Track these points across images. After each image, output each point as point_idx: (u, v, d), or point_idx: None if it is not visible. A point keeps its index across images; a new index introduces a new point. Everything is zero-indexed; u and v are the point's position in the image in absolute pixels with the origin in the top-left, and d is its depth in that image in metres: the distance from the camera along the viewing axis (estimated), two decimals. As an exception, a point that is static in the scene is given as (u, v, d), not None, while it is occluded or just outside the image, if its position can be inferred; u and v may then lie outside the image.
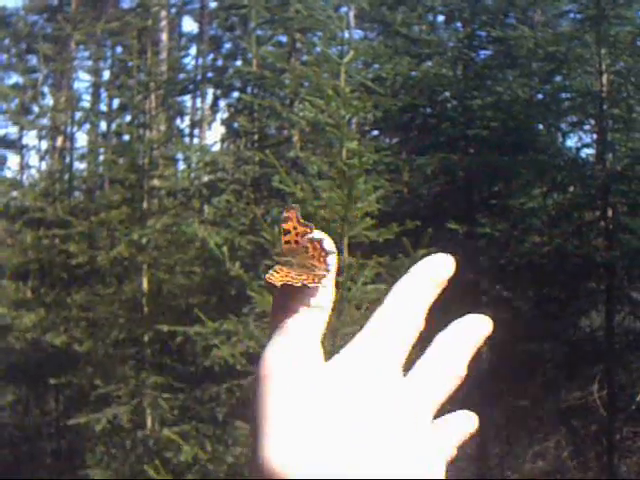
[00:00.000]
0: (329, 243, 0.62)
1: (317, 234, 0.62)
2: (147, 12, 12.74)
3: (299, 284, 0.59)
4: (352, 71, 6.82)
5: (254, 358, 5.95)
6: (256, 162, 7.91)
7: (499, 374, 7.34)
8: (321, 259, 0.61)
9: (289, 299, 0.60)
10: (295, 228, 0.63)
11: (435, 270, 0.64)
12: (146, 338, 7.82)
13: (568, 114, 8.15)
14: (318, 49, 8.08)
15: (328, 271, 0.60)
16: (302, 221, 0.63)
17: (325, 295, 0.60)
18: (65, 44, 17.71)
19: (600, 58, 7.31)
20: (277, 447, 0.54)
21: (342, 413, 0.56)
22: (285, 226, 0.63)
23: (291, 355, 0.58)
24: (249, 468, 0.57)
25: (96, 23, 14.07)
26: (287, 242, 0.63)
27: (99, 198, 9.50)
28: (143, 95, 8.90)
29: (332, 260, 0.61)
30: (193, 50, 22.41)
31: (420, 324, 0.62)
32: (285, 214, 0.63)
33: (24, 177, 16.63)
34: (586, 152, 8.49)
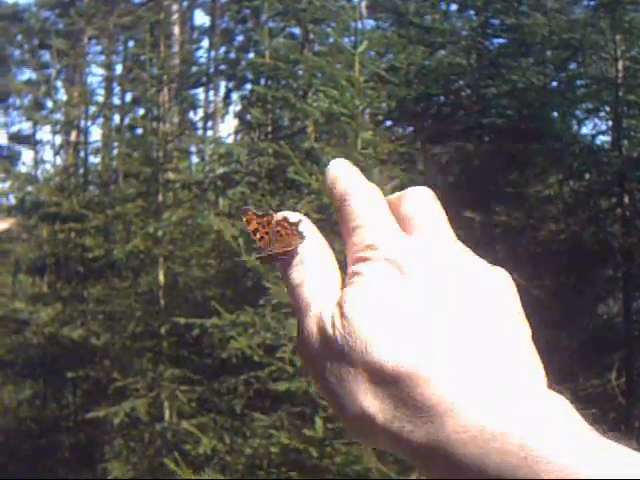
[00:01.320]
0: (292, 215, 0.64)
1: (280, 214, 0.65)
2: (159, 6, 12.74)
3: (280, 251, 0.62)
4: (366, 61, 6.80)
5: (271, 349, 5.97)
6: (270, 153, 7.90)
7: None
8: (294, 233, 0.62)
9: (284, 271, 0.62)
10: (259, 223, 0.65)
11: None
12: (163, 331, 7.84)
13: (583, 101, 8.10)
14: (331, 40, 8.06)
15: (303, 237, 0.62)
16: (260, 213, 0.66)
17: (307, 252, 0.62)
18: (78, 39, 17.73)
19: (615, 44, 7.26)
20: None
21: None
22: (250, 228, 0.66)
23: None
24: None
25: (108, 17, 14.11)
26: (261, 238, 0.65)
27: (114, 192, 9.52)
28: (156, 88, 8.91)
29: (303, 225, 0.63)
30: (205, 43, 22.44)
31: None
32: (244, 220, 0.66)
33: (39, 172, 16.66)
34: (602, 139, 8.45)
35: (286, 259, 0.62)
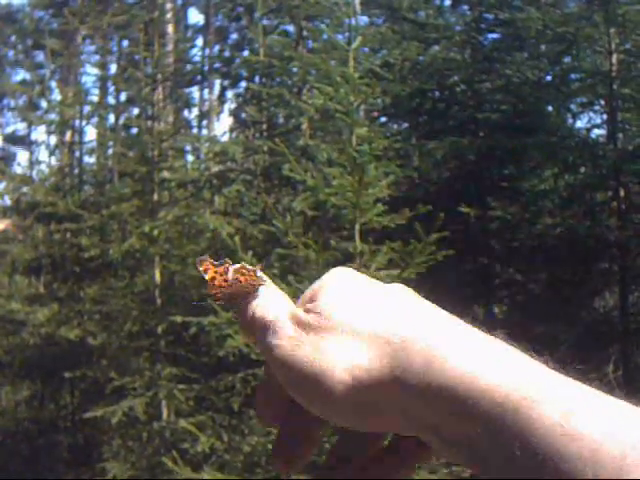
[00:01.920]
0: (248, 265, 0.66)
1: (235, 265, 0.67)
2: (153, 4, 12.73)
3: (241, 290, 0.65)
4: (360, 57, 6.79)
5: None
6: (266, 151, 7.90)
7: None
8: (254, 277, 0.65)
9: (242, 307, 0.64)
10: (216, 272, 0.67)
11: None
12: (160, 330, 7.82)
13: (578, 95, 8.11)
14: (325, 36, 8.04)
15: (263, 280, 0.64)
16: (216, 262, 0.67)
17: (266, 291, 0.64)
18: (72, 39, 17.70)
19: (609, 38, 7.26)
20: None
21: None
22: (208, 277, 0.67)
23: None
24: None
25: (102, 17, 14.05)
26: (220, 286, 0.67)
27: (109, 191, 9.49)
28: (151, 87, 8.89)
29: (260, 273, 0.65)
30: (199, 41, 22.42)
31: None
32: (201, 268, 0.67)
33: (34, 173, 16.65)
34: (597, 132, 8.46)
35: (245, 300, 0.63)
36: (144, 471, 7.12)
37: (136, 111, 10.26)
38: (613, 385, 7.06)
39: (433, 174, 8.41)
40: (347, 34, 6.61)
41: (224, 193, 8.46)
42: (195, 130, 18.49)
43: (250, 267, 0.65)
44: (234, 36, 20.07)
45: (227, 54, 18.62)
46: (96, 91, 16.94)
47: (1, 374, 10.39)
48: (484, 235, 7.84)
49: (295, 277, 5.51)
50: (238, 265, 0.66)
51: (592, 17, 7.39)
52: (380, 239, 5.44)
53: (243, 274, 0.65)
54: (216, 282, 0.66)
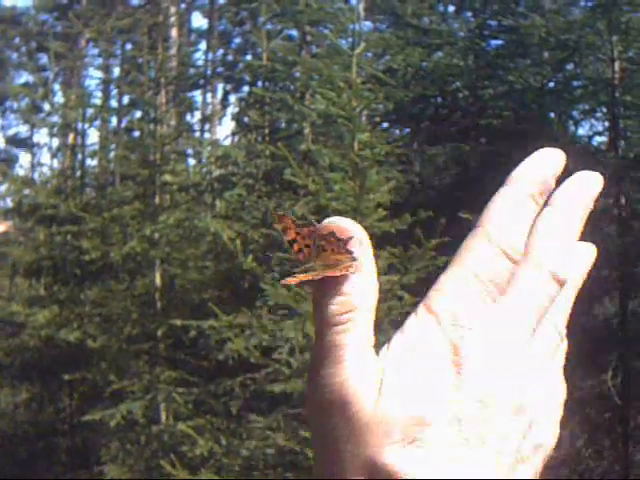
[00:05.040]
0: (342, 229, 0.57)
1: (324, 227, 0.57)
2: (157, 8, 12.76)
3: (318, 277, 0.56)
4: (363, 63, 6.79)
5: (268, 351, 5.96)
6: (267, 155, 7.90)
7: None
8: (341, 250, 0.56)
9: (321, 300, 0.56)
10: (298, 233, 0.59)
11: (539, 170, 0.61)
12: (159, 333, 7.83)
13: (580, 102, 8.11)
14: (328, 41, 8.05)
15: (354, 259, 0.56)
16: (301, 222, 0.59)
17: (359, 283, 0.57)
18: (75, 42, 17.75)
19: (612, 45, 7.27)
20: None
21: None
22: (288, 237, 0.59)
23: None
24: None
25: (106, 20, 14.06)
26: (299, 251, 0.59)
27: (111, 194, 9.49)
28: (154, 91, 8.90)
29: (355, 244, 0.57)
30: (203, 46, 22.43)
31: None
32: (280, 225, 0.59)
33: (36, 175, 16.66)
34: (598, 140, 8.45)
35: (329, 283, 0.55)
36: (142, 474, 7.12)
37: (139, 114, 10.26)
38: (612, 392, 7.05)
39: (434, 180, 8.42)
40: (350, 39, 6.61)
41: (225, 197, 8.46)
42: (197, 134, 18.50)
43: (341, 234, 0.56)
44: (237, 40, 20.12)
45: (230, 58, 18.64)
46: (99, 94, 16.96)
47: (0, 376, 10.39)
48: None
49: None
50: (326, 230, 0.57)
51: (595, 24, 7.39)
52: (380, 244, 5.43)
53: (330, 242, 0.56)
54: (296, 246, 0.59)
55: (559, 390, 0.60)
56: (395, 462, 0.52)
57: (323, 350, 0.55)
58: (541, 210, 0.60)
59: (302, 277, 0.56)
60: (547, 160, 0.61)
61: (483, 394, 0.54)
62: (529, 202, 0.59)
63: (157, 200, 8.38)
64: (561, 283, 0.59)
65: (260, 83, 9.25)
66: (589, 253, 0.62)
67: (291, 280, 0.57)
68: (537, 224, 0.59)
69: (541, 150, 0.61)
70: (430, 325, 0.55)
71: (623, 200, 7.25)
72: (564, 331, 0.61)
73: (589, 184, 0.61)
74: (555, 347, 0.59)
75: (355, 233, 0.57)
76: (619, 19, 7.16)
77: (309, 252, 0.58)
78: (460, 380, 0.54)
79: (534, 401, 0.56)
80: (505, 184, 0.60)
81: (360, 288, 0.56)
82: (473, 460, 0.53)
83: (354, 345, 0.55)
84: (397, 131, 9.45)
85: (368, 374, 0.54)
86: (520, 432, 0.55)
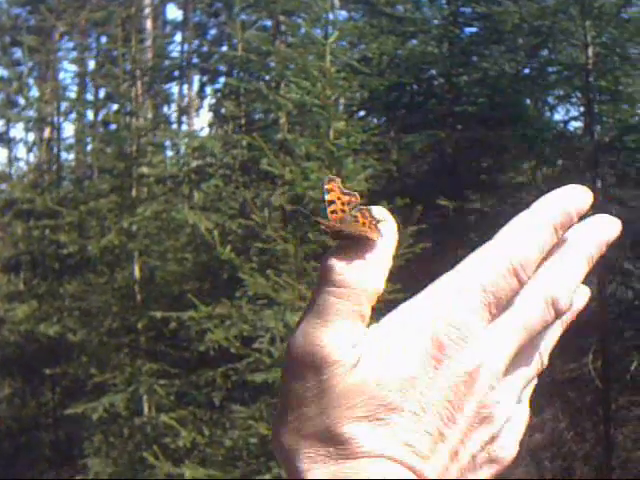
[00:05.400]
0: (379, 211, 0.60)
1: (367, 206, 0.61)
2: (130, 0, 12.68)
3: (357, 233, 0.58)
4: (337, 52, 6.80)
5: (248, 341, 5.97)
6: (244, 146, 7.89)
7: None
8: (372, 227, 0.59)
9: (333, 257, 0.58)
10: (339, 198, 0.62)
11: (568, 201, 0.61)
12: (140, 325, 7.82)
13: (555, 87, 8.13)
14: (303, 31, 8.05)
15: (380, 235, 0.58)
16: (345, 190, 0.62)
17: (375, 261, 0.58)
18: (49, 35, 17.62)
19: (585, 30, 7.29)
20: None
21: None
22: (328, 197, 0.62)
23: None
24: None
25: (80, 13, 13.99)
26: (333, 212, 0.61)
27: (88, 187, 9.46)
28: (129, 83, 8.87)
29: (386, 227, 0.59)
30: (178, 37, 22.33)
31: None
32: (327, 186, 0.62)
33: (12, 170, 16.57)
34: (574, 125, 8.51)
35: (348, 246, 0.58)
36: (125, 466, 7.12)
37: (115, 107, 10.23)
38: (592, 376, 7.10)
39: (411, 167, 8.43)
40: (324, 28, 6.62)
41: (203, 188, 8.45)
42: (175, 126, 18.44)
43: (376, 214, 0.59)
44: (213, 32, 20.01)
45: (205, 50, 18.57)
46: (74, 88, 16.87)
47: (-19, 372, 10.37)
48: (463, 228, 7.85)
49: (274, 271, 5.52)
50: (365, 207, 0.60)
51: (568, 10, 7.41)
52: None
53: (364, 217, 0.59)
54: (333, 207, 0.61)
55: (526, 413, 0.61)
56: (354, 434, 0.53)
57: (315, 309, 0.57)
58: (558, 242, 0.61)
59: (336, 225, 0.60)
60: (574, 195, 0.61)
61: (454, 396, 0.55)
62: (549, 231, 0.60)
63: (134, 192, 8.37)
64: (559, 314, 0.60)
65: (235, 74, 9.23)
66: (585, 296, 0.63)
67: (323, 221, 0.60)
68: (551, 254, 0.60)
69: (570, 185, 0.62)
70: (425, 314, 0.56)
71: (599, 184, 7.29)
72: (546, 361, 0.62)
73: (608, 229, 0.63)
74: (534, 373, 0.61)
75: (390, 221, 0.60)
76: (592, 4, 7.18)
77: (341, 217, 0.61)
78: (436, 375, 0.55)
79: (502, 417, 0.57)
80: (529, 209, 0.61)
81: (374, 265, 0.58)
82: (427, 453, 0.54)
83: (346, 313, 0.56)
84: (374, 119, 9.46)
85: (351, 345, 0.55)
86: (480, 442, 0.57)
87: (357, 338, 0.56)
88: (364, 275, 0.57)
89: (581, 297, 0.63)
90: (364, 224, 0.59)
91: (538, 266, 0.59)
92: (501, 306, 0.57)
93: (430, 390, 0.55)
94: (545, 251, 0.60)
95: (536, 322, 0.58)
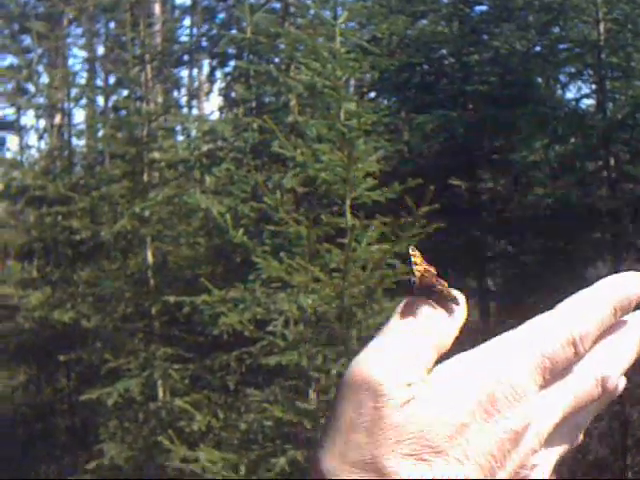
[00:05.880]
0: (457, 291, 0.63)
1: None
2: (139, -15, 12.65)
3: (446, 291, 0.62)
4: (347, 32, 6.76)
5: (262, 324, 5.97)
6: (255, 129, 7.86)
7: (506, 329, 7.34)
8: (449, 297, 0.62)
9: (419, 308, 0.61)
10: (420, 263, 0.65)
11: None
12: (154, 310, 7.83)
13: (566, 65, 8.09)
14: (312, 12, 8.01)
15: (457, 303, 0.62)
16: (427, 264, 0.65)
17: (449, 323, 0.61)
18: (58, 22, 17.61)
19: (597, 7, 7.24)
20: None
21: None
22: (414, 260, 0.64)
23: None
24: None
25: (88, -1, 13.98)
26: (419, 271, 0.64)
27: (100, 173, 9.46)
28: (138, 68, 8.85)
29: (457, 306, 0.62)
30: (187, 22, 22.32)
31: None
32: (411, 252, 0.65)
33: (24, 157, 16.60)
34: (586, 102, 8.45)
35: (428, 299, 0.61)
36: (141, 451, 7.14)
37: (125, 92, 10.22)
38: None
39: (423, 147, 8.40)
40: (334, 9, 6.58)
41: (214, 172, 8.44)
42: (185, 110, 18.44)
43: (455, 293, 0.63)
44: (221, 15, 19.98)
45: (215, 33, 18.55)
46: (84, 74, 16.88)
47: (-3, 359, 10.42)
48: (475, 207, 7.84)
49: (287, 254, 5.51)
50: (444, 282, 0.63)
51: (579, -14, 7.37)
52: (371, 214, 5.43)
53: (443, 286, 0.63)
54: (417, 267, 0.64)
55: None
56: (397, 469, 0.54)
57: (389, 336, 0.59)
58: (615, 323, 0.63)
59: (438, 282, 0.63)
60: (635, 282, 0.63)
61: (498, 451, 0.56)
62: (610, 311, 0.62)
63: (146, 177, 8.36)
64: (605, 392, 0.61)
65: (245, 57, 9.21)
66: (622, 385, 0.63)
67: (420, 268, 0.64)
68: (607, 334, 0.62)
69: (632, 272, 0.64)
70: (484, 369, 0.58)
71: (612, 162, 7.25)
72: (581, 438, 0.64)
73: None
74: (567, 447, 0.62)
75: (464, 304, 0.63)
76: (603, -21, 7.14)
77: (426, 277, 0.64)
78: (485, 428, 0.56)
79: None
80: (592, 287, 0.63)
81: (450, 321, 0.61)
82: None
83: (418, 348, 0.58)
84: (384, 100, 9.43)
85: (406, 382, 0.57)
86: None
87: (420, 371, 0.58)
88: (442, 325, 0.60)
89: (620, 384, 0.64)
90: (442, 292, 0.62)
91: (594, 342, 0.61)
92: (555, 373, 0.59)
93: (477, 441, 0.56)
94: (603, 329, 0.62)
95: (585, 396, 0.61)
